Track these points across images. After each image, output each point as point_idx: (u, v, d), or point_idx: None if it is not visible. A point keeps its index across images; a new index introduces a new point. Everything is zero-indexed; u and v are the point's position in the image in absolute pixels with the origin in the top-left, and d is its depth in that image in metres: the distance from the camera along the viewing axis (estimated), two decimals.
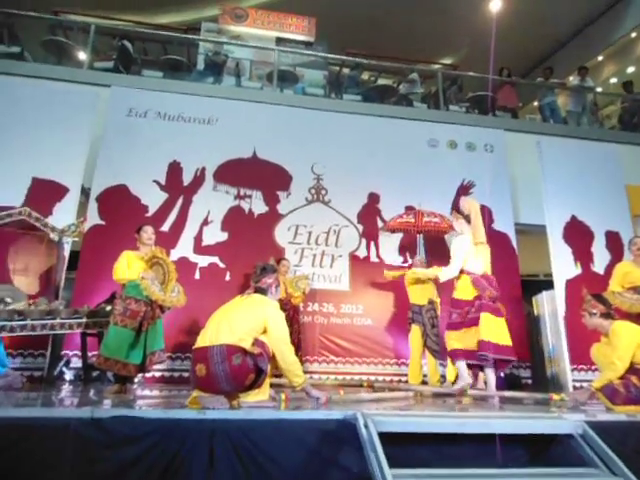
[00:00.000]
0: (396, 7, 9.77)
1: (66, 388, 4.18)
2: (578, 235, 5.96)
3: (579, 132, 7.86)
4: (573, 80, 9.56)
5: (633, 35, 9.94)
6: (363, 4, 9.73)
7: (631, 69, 10.49)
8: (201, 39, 8.59)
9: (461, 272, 4.21)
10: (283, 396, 2.89)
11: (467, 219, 4.30)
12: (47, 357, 4.64)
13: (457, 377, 4.28)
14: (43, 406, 2.85)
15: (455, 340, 4.15)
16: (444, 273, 4.28)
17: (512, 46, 10.17)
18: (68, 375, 4.66)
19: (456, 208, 4.49)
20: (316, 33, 9.35)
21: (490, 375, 3.95)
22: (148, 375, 4.66)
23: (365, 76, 8.91)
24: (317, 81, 8.55)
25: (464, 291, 4.15)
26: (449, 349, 4.22)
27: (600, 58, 10.69)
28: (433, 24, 10.18)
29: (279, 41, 9.06)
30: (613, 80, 10.55)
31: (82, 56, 7.33)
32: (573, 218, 5.99)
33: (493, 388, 3.90)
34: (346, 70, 8.60)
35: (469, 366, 4.20)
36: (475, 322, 4.00)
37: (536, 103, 8.96)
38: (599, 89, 9.26)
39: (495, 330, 3.93)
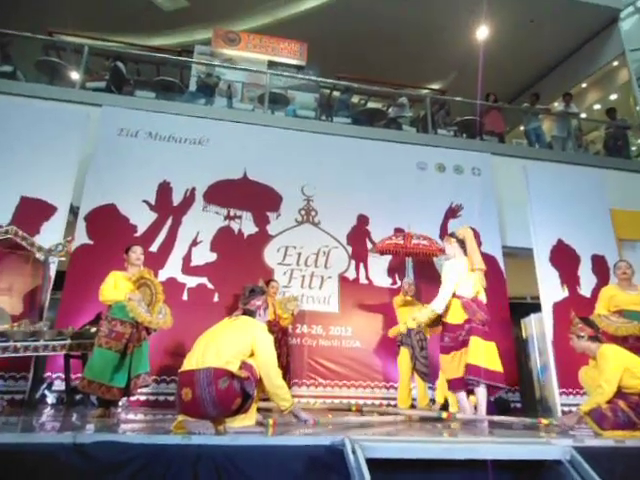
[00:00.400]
0: (386, 33, 9.99)
1: (48, 412, 4.07)
2: (564, 258, 6.03)
3: (564, 157, 8.03)
4: (558, 106, 9.80)
5: (615, 64, 10.24)
6: (353, 30, 9.93)
7: (614, 96, 10.78)
8: (194, 61, 8.70)
9: (452, 296, 4.17)
10: (271, 421, 2.85)
11: (461, 244, 4.31)
12: (29, 380, 4.52)
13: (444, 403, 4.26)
14: (23, 431, 2.78)
15: (449, 365, 4.03)
16: (437, 303, 4.10)
17: (499, 72, 10.42)
18: (50, 398, 4.54)
19: (450, 232, 4.55)
20: (307, 57, 9.52)
21: (481, 398, 3.89)
22: (133, 399, 4.56)
23: (355, 99, 9.06)
24: (308, 104, 8.67)
25: (455, 315, 4.08)
26: (447, 378, 4.10)
27: (584, 85, 10.99)
28: (422, 50, 10.40)
29: (271, 64, 9.19)
30: (597, 106, 10.83)
31: (75, 76, 7.37)
32: (559, 242, 6.07)
33: (484, 412, 3.87)
34: (337, 93, 8.74)
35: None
36: (465, 345, 3.98)
37: (522, 128, 9.16)
38: (583, 115, 9.48)
39: (485, 354, 3.90)
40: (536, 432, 3.39)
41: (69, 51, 7.95)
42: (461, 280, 4.09)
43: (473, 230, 6.21)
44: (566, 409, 5.06)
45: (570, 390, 5.29)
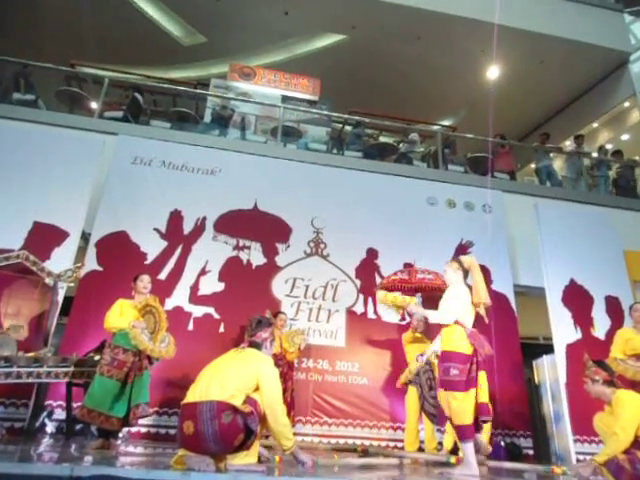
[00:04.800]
0: (397, 70, 10.22)
1: (47, 442, 3.99)
2: (577, 299, 5.92)
3: (576, 196, 7.99)
4: (569, 146, 9.85)
5: (626, 105, 10.35)
6: (366, 67, 10.19)
7: (625, 136, 10.84)
8: (209, 94, 8.93)
9: (455, 322, 3.68)
10: (277, 458, 2.75)
11: (465, 273, 4.08)
12: (30, 407, 4.46)
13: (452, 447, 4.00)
14: (20, 461, 2.72)
15: (465, 405, 3.37)
16: (435, 315, 3.76)
17: (509, 111, 10.59)
18: (50, 427, 4.45)
19: (456, 258, 4.12)
20: (320, 92, 9.73)
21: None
22: (133, 430, 4.47)
23: (367, 132, 9.18)
24: (320, 137, 8.80)
25: (461, 344, 3.56)
26: (460, 423, 3.31)
27: (595, 125, 11.08)
28: (433, 87, 10.62)
29: (284, 99, 9.40)
30: (608, 146, 10.88)
31: (93, 105, 7.57)
32: (572, 281, 5.97)
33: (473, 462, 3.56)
34: (348, 127, 8.87)
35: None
36: (476, 382, 3.72)
37: (533, 166, 9.18)
38: (594, 154, 9.52)
39: (487, 393, 3.69)
40: None
41: (89, 82, 8.20)
42: (465, 308, 3.71)
43: (484, 268, 6.22)
44: (581, 457, 4.86)
45: (585, 437, 5.09)
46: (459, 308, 3.64)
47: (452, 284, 3.85)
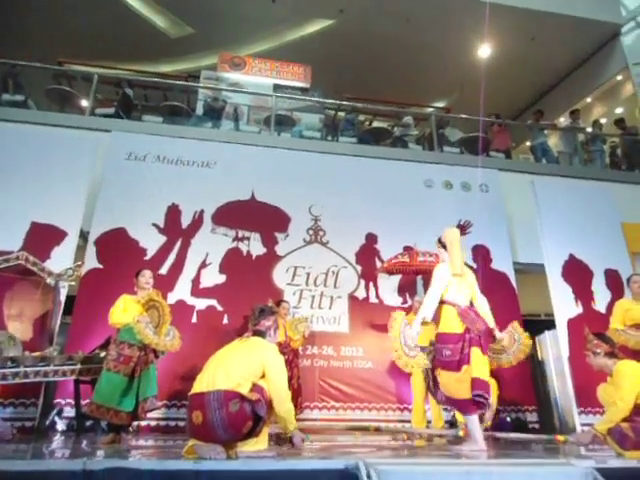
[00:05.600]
0: (388, 53, 10.14)
1: (58, 439, 4.03)
2: (577, 273, 5.95)
3: (572, 171, 7.99)
4: (564, 122, 9.81)
5: (619, 78, 10.29)
6: (356, 51, 10.10)
7: (619, 110, 10.80)
8: (200, 86, 8.87)
9: (442, 302, 3.69)
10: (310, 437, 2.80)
11: (445, 248, 4.02)
12: (39, 406, 4.50)
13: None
14: (33, 458, 2.75)
15: (459, 384, 3.47)
16: (425, 309, 3.66)
17: (502, 89, 10.53)
18: (60, 425, 4.50)
19: (438, 237, 4.00)
20: (312, 79, 9.66)
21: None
22: (143, 424, 4.51)
23: (360, 118, 9.13)
24: (314, 124, 8.76)
25: (452, 324, 3.58)
26: (458, 397, 3.43)
27: (589, 100, 11.03)
28: (425, 69, 10.55)
29: (276, 87, 9.33)
30: (603, 120, 10.84)
31: (84, 103, 7.52)
32: (571, 256, 5.99)
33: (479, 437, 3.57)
34: (342, 113, 8.83)
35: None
36: (468, 359, 3.52)
37: (528, 143, 9.16)
38: (589, 129, 9.49)
39: (484, 368, 3.64)
40: (555, 453, 3.29)
41: (79, 79, 8.14)
42: (451, 286, 3.66)
43: (483, 247, 6.23)
44: (586, 429, 4.91)
45: (589, 409, 5.16)
46: (439, 286, 3.62)
47: (439, 263, 3.81)
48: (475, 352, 3.48)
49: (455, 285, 3.65)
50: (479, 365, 3.45)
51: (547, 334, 6.27)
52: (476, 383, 3.40)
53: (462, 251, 3.77)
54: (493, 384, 3.73)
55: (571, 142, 8.75)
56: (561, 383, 5.78)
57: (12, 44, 9.20)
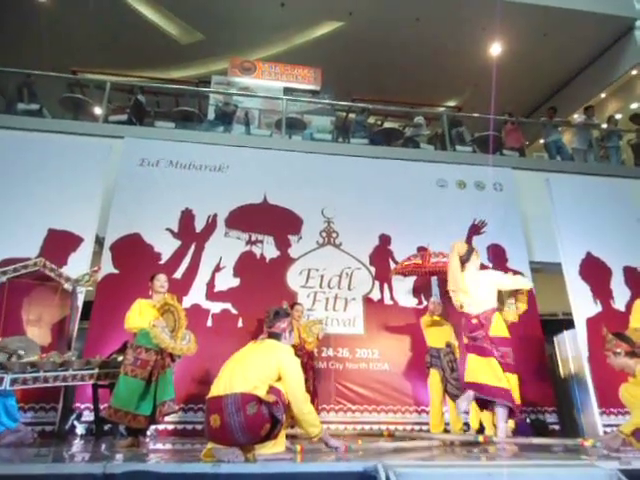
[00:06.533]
0: (399, 54, 10.10)
1: (78, 443, 4.07)
2: (595, 272, 5.85)
3: (587, 168, 7.87)
4: (578, 118, 9.68)
5: (634, 72, 10.13)
6: (366, 52, 10.08)
7: (634, 105, 10.63)
8: (211, 91, 8.94)
9: (494, 310, 4.15)
10: (298, 447, 2.78)
11: (464, 258, 4.30)
12: (58, 411, 4.56)
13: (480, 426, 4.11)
14: (54, 462, 2.78)
15: (488, 369, 3.88)
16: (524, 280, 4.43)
17: (515, 87, 10.42)
18: (80, 429, 4.53)
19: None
20: (322, 81, 9.67)
21: (501, 419, 3.81)
22: (160, 428, 4.54)
23: (371, 120, 9.12)
24: (324, 127, 8.77)
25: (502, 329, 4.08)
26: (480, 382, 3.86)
27: (603, 95, 10.87)
28: (436, 69, 10.48)
29: (286, 90, 9.36)
30: (618, 116, 10.68)
31: (97, 111, 7.62)
32: (588, 255, 5.90)
33: (503, 435, 3.76)
34: (352, 115, 8.82)
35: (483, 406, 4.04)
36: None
37: (542, 141, 9.05)
38: (604, 125, 9.35)
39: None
40: (578, 455, 3.22)
41: (92, 88, 8.25)
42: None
43: (498, 247, 6.18)
44: (608, 430, 4.83)
45: (611, 410, 5.06)
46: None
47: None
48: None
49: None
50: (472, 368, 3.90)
51: (566, 334, 6.17)
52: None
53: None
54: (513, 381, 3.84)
55: (586, 139, 8.63)
56: (581, 383, 5.67)
57: (26, 54, 9.37)
